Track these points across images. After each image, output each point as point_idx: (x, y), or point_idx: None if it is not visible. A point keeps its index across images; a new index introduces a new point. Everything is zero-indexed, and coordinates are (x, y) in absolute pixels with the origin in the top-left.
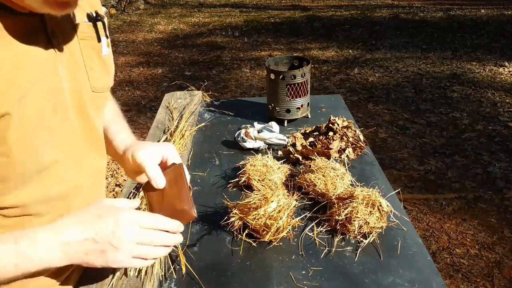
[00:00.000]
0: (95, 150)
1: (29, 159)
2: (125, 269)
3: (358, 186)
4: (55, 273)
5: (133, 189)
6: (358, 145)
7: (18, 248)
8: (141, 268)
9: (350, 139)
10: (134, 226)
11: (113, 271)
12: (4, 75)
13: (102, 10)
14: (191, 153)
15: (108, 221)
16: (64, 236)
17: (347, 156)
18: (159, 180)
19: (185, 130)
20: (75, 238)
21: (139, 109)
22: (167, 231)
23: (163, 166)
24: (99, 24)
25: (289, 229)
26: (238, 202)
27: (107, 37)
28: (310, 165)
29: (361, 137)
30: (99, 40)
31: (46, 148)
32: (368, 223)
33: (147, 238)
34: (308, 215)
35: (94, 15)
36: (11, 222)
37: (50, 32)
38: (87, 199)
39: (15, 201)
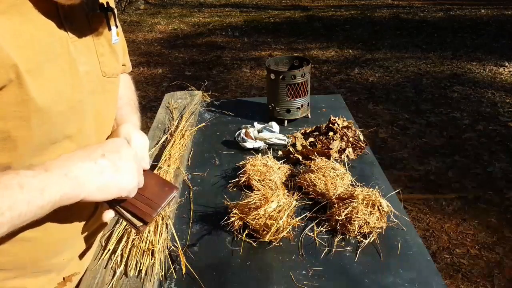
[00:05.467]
0: (99, 134)
1: (45, 128)
2: (125, 269)
3: (358, 186)
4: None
5: None
6: (358, 145)
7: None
8: (141, 268)
9: (350, 139)
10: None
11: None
12: (19, 45)
13: (113, 2)
14: (191, 153)
15: (111, 143)
16: (73, 165)
17: (347, 156)
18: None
19: (185, 130)
20: (84, 162)
21: (139, 109)
22: None
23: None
24: (110, 14)
25: (289, 229)
26: (238, 202)
27: (116, 26)
28: (310, 165)
29: (361, 137)
30: (109, 28)
31: (65, 122)
32: (368, 223)
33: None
34: (308, 215)
35: (106, 5)
36: None
37: (62, 17)
38: None
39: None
